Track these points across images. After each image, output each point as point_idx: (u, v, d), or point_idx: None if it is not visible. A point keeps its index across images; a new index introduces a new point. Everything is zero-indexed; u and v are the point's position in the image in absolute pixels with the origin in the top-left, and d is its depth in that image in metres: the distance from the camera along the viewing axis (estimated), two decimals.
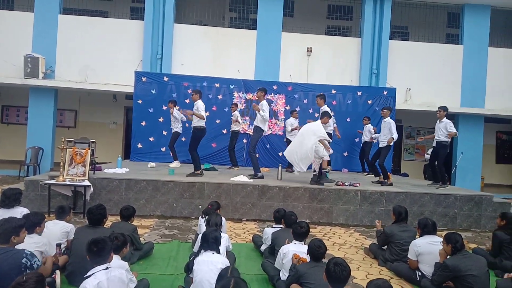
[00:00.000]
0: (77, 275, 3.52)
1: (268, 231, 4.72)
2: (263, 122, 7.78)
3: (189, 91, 10.67)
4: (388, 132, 8.03)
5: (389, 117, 8.16)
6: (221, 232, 4.00)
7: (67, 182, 6.44)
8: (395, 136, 7.94)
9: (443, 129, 7.81)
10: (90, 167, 6.81)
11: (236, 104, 10.16)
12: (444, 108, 7.98)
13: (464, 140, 12.13)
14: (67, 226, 4.20)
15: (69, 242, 4.08)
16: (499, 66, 12.41)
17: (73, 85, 11.03)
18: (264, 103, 7.71)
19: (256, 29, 11.74)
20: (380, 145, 8.31)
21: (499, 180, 14.83)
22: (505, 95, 12.47)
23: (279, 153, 10.49)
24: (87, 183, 6.46)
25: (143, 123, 10.65)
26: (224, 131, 10.72)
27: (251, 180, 7.32)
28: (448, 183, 8.20)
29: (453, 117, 12.32)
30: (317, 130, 7.13)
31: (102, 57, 11.30)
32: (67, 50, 11.19)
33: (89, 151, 6.70)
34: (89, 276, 2.75)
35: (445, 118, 7.91)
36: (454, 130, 7.76)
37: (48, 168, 10.96)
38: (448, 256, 3.82)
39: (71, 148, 6.67)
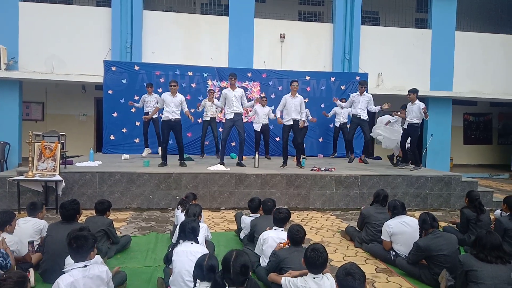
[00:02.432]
0: (52, 273, 3.44)
1: (246, 220, 4.74)
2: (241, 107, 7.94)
3: (161, 80, 10.50)
4: (365, 106, 8.33)
5: (365, 92, 8.34)
6: (200, 222, 3.98)
7: (37, 178, 6.21)
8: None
9: (416, 111, 7.89)
10: (61, 161, 6.60)
11: (213, 92, 10.04)
12: (413, 91, 8.05)
13: (434, 123, 12.53)
14: (40, 223, 4.07)
15: (43, 239, 3.96)
16: (465, 50, 12.82)
17: (38, 76, 10.58)
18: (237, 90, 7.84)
19: (228, 15, 11.57)
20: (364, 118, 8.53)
21: (466, 160, 15.48)
22: (471, 77, 12.94)
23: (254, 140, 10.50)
24: (58, 177, 6.26)
25: (114, 114, 10.37)
26: (199, 120, 10.59)
27: (228, 169, 7.31)
28: (420, 164, 8.46)
29: (423, 100, 12.67)
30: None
31: (69, 46, 10.87)
32: (30, 39, 10.69)
33: (59, 144, 6.47)
34: (66, 271, 2.68)
35: (417, 100, 8.03)
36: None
37: (16, 163, 10.56)
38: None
39: (40, 142, 6.42)
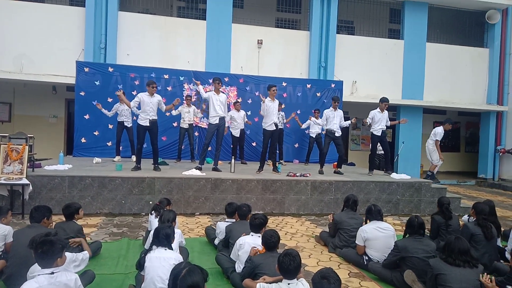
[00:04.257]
0: (17, 278, 3.28)
1: (221, 226, 4.70)
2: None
3: (136, 83, 10.31)
4: (338, 122, 8.42)
5: (337, 107, 8.48)
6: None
7: (3, 181, 5.94)
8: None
9: (387, 119, 8.33)
10: (28, 164, 6.34)
11: (190, 97, 9.97)
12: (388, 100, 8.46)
13: (405, 130, 12.89)
14: (4, 228, 3.88)
15: (8, 246, 3.78)
16: (435, 61, 13.31)
17: (6, 75, 10.17)
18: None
19: (205, 20, 11.53)
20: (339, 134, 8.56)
21: None
22: (441, 87, 13.43)
23: (231, 145, 10.46)
24: (25, 181, 6.01)
25: (86, 116, 10.09)
26: (175, 124, 10.47)
27: (204, 174, 7.24)
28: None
29: (395, 108, 13.06)
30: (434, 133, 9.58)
31: (40, 45, 10.52)
32: None
33: (27, 147, 6.22)
34: (32, 278, 2.57)
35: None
36: None
37: None
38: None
39: (6, 144, 6.16)
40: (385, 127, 8.44)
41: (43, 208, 3.92)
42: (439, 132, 9.50)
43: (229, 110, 9.91)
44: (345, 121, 8.56)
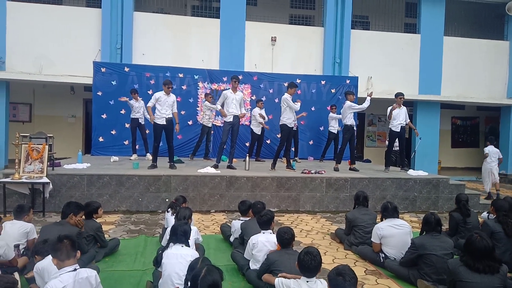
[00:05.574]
0: None
1: (236, 224, 4.72)
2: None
3: (152, 82, 10.44)
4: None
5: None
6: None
7: (24, 180, 6.12)
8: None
9: (404, 114, 8.15)
10: (48, 163, 6.50)
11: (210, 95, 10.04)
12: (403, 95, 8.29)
13: (422, 126, 12.66)
14: (26, 226, 4.01)
15: (30, 243, 3.90)
16: (453, 55, 13.01)
17: (26, 77, 10.43)
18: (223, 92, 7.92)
19: (219, 18, 11.57)
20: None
21: (454, 163, 15.67)
22: (459, 82, 13.13)
23: (246, 143, 10.50)
24: (45, 180, 6.17)
25: (103, 116, 10.27)
26: (190, 122, 10.57)
27: (219, 171, 7.29)
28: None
29: (412, 104, 12.85)
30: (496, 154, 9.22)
31: (58, 47, 10.73)
32: (18, 39, 10.53)
33: (47, 146, 6.39)
34: (55, 277, 2.62)
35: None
36: None
37: (2, 165, 10.38)
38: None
39: (27, 143, 6.33)
40: (404, 123, 8.26)
41: (72, 205, 4.07)
42: (497, 151, 9.33)
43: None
44: (359, 104, 8.34)
